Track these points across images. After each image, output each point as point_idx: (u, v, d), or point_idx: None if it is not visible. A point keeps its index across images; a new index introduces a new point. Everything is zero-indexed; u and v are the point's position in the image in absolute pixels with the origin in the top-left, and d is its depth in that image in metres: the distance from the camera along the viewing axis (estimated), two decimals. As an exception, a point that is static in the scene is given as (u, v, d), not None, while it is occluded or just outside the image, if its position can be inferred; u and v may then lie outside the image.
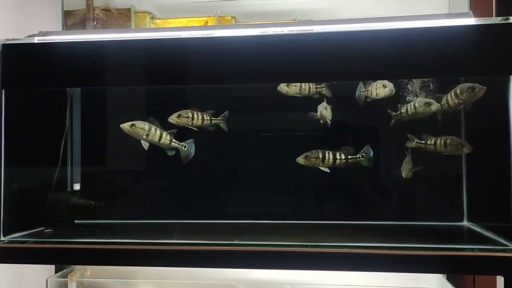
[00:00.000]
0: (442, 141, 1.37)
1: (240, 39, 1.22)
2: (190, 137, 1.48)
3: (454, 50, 1.12)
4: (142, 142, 1.44)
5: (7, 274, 1.64)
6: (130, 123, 1.42)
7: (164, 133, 1.44)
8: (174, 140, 1.45)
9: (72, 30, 1.79)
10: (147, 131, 1.42)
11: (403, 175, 1.44)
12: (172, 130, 1.45)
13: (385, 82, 1.37)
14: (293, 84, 1.42)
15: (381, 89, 1.38)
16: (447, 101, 1.34)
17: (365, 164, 1.43)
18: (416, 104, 1.39)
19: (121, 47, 1.26)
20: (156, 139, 1.43)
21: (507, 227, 1.13)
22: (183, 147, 1.46)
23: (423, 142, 1.41)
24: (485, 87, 1.25)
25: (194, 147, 1.48)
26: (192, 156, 1.48)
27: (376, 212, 1.53)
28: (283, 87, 1.43)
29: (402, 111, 1.43)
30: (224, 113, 1.49)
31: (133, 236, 1.31)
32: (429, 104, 1.37)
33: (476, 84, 1.27)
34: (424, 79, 1.41)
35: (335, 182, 1.52)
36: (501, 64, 1.10)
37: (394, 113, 1.45)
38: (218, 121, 1.49)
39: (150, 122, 1.44)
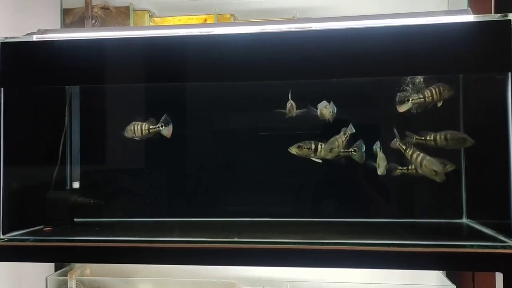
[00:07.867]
0: (442, 136, 1.33)
1: (239, 37, 1.22)
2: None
3: (452, 47, 1.12)
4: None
5: (7, 272, 1.64)
6: (125, 129, 1.49)
7: (144, 125, 1.47)
8: (151, 126, 1.47)
9: (71, 28, 1.79)
10: (133, 131, 1.48)
11: (379, 173, 1.39)
12: (150, 119, 1.48)
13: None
14: None
15: (325, 109, 1.42)
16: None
17: (357, 159, 1.41)
18: None
19: (119, 45, 1.26)
20: (140, 134, 1.48)
21: (506, 224, 1.12)
22: (160, 127, 1.47)
23: (422, 138, 1.37)
24: (452, 90, 1.32)
25: (169, 120, 1.47)
26: (171, 129, 1.47)
27: (376, 210, 1.53)
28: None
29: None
30: (163, 118, 1.47)
31: (133, 234, 1.31)
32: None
33: (446, 85, 1.32)
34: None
35: (334, 180, 1.52)
36: (500, 61, 1.10)
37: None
38: (158, 128, 1.47)
39: (136, 121, 1.48)
